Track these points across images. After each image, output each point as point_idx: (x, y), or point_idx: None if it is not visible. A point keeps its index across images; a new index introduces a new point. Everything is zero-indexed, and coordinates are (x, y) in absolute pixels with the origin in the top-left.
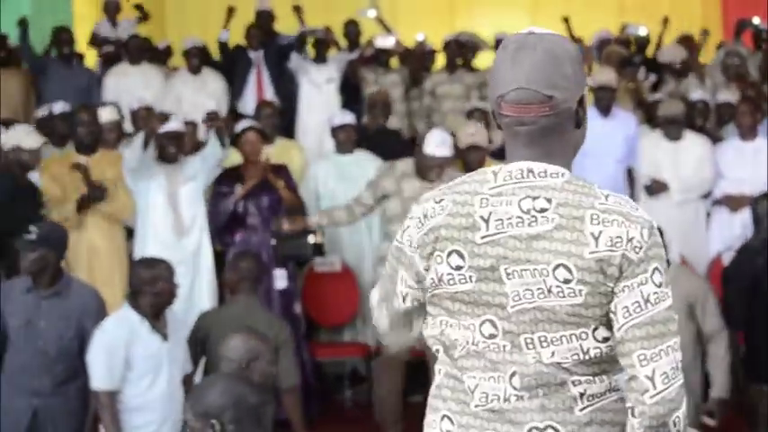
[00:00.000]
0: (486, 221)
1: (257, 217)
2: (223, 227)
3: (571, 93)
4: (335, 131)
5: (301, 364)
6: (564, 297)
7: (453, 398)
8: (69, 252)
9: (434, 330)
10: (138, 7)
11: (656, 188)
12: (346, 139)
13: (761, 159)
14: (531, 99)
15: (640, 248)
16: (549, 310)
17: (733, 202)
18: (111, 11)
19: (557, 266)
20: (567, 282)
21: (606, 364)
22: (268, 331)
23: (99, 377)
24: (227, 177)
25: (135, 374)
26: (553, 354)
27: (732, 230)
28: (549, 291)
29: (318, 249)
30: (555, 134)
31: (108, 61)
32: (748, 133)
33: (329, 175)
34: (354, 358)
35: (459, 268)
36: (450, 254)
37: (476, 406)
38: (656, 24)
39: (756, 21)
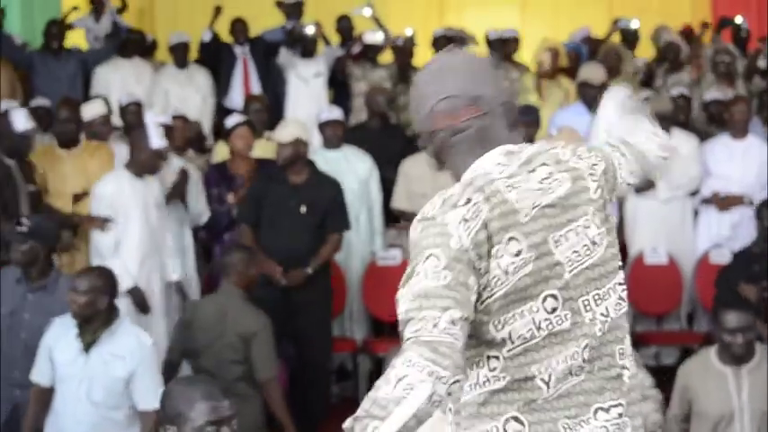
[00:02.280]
0: (520, 203)
1: None
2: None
3: (495, 93)
4: (323, 127)
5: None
6: (603, 242)
7: (521, 398)
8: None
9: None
10: None
11: (642, 186)
12: (333, 135)
13: (750, 158)
14: (459, 104)
15: (593, 147)
16: (598, 264)
17: (722, 202)
18: (98, 5)
19: (594, 213)
20: (599, 226)
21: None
22: (243, 321)
23: (34, 368)
24: (217, 174)
25: (57, 376)
26: (607, 309)
27: (720, 229)
28: (594, 242)
29: None
30: (492, 133)
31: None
32: (740, 132)
33: None
34: (342, 354)
35: (519, 253)
36: (509, 241)
37: (546, 397)
38: (645, 20)
39: (739, 20)
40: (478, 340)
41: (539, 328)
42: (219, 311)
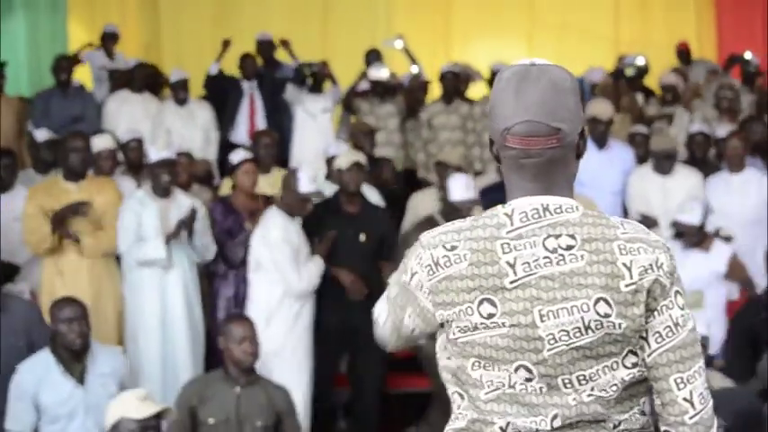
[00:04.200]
0: (513, 266)
1: None
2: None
3: (574, 125)
4: (330, 162)
5: None
6: (602, 329)
7: None
8: (58, 282)
9: (453, 363)
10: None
11: (644, 224)
12: None
13: (747, 191)
14: (538, 131)
15: (669, 273)
16: (586, 347)
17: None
18: (110, 41)
19: (597, 300)
20: (606, 316)
21: (637, 386)
22: (263, 400)
23: (9, 418)
24: (222, 209)
25: (45, 419)
26: (593, 389)
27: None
28: (588, 327)
29: None
30: (560, 166)
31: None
32: (736, 166)
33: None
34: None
35: (491, 316)
36: (480, 303)
37: None
38: (652, 55)
39: (748, 56)
40: (455, 376)
41: (510, 386)
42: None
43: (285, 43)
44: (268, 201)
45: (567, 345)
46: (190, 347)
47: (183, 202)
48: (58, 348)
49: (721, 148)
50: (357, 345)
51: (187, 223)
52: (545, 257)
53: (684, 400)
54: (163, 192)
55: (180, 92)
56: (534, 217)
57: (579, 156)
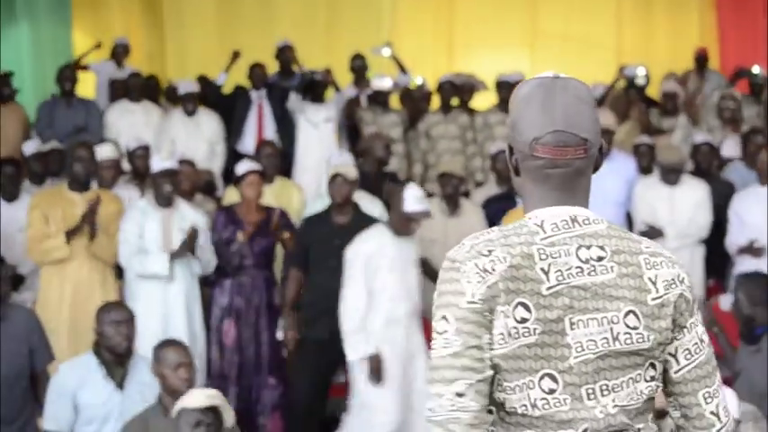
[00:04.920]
0: (547, 273)
1: (251, 259)
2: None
3: (598, 137)
4: None
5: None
6: (631, 343)
7: None
8: (51, 289)
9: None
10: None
11: (651, 234)
12: None
13: None
14: (568, 142)
15: (691, 288)
16: (612, 357)
17: (758, 251)
18: (121, 53)
19: (627, 313)
20: (635, 328)
21: (651, 401)
22: None
23: (47, 417)
24: (225, 218)
25: (81, 419)
26: (614, 400)
27: None
28: (616, 338)
29: None
30: (582, 177)
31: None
32: (766, 178)
33: None
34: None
35: (524, 321)
36: (516, 306)
37: None
38: (654, 64)
39: (756, 70)
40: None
41: (533, 406)
42: None
43: (289, 51)
44: (271, 211)
45: (594, 354)
46: None
47: (185, 212)
48: (102, 351)
49: (700, 155)
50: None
51: (189, 243)
52: (577, 267)
53: (712, 413)
54: (165, 201)
55: (189, 104)
56: (565, 227)
57: (596, 168)
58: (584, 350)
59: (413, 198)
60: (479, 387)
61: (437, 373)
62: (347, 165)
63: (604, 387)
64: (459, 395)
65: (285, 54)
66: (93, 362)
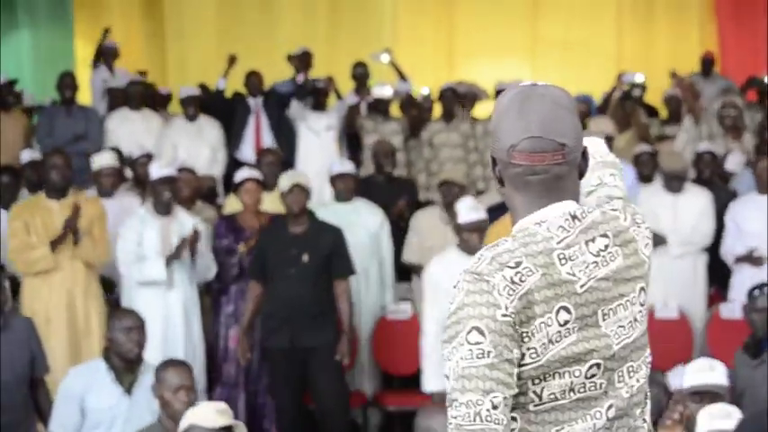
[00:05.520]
0: (574, 274)
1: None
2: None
3: (577, 141)
4: (334, 180)
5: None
6: (644, 318)
7: None
8: (38, 299)
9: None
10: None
11: (654, 241)
12: (345, 188)
13: None
14: (544, 147)
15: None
16: (638, 338)
17: (757, 260)
18: (110, 57)
19: (640, 290)
20: (642, 304)
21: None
22: None
23: (53, 420)
24: (226, 227)
25: (88, 424)
26: (638, 380)
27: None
28: (636, 319)
29: None
30: (565, 183)
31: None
32: (764, 188)
33: None
34: (351, 408)
35: (566, 323)
36: (558, 311)
37: None
38: (654, 72)
39: (767, 79)
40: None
41: (571, 391)
42: None
43: (291, 58)
44: (273, 219)
45: (628, 338)
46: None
47: (184, 221)
48: (112, 357)
49: (702, 163)
50: (311, 365)
51: (190, 243)
52: (593, 262)
53: None
54: (164, 209)
55: (189, 108)
56: (570, 227)
57: (581, 175)
58: (620, 337)
59: (466, 208)
60: (509, 403)
61: (470, 383)
62: (303, 175)
63: (630, 368)
64: (495, 407)
65: (303, 60)
66: (103, 367)
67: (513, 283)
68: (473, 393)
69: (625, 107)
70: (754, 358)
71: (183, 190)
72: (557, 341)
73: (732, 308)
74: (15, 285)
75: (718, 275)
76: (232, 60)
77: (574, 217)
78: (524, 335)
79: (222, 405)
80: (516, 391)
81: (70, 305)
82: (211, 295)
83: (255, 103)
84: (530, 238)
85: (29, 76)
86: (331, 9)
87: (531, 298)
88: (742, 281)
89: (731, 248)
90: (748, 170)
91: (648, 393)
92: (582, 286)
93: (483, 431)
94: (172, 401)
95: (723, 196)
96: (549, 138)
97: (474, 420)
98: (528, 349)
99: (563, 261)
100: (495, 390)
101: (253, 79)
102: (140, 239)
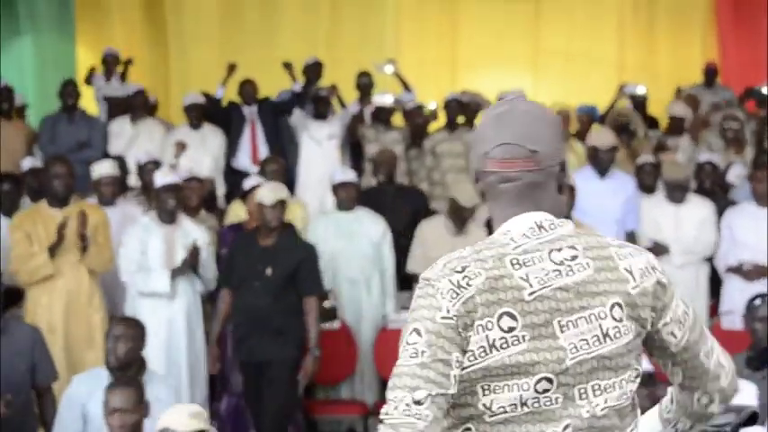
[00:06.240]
0: (527, 280)
1: None
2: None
3: (552, 151)
4: (336, 188)
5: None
6: (620, 337)
7: None
8: (41, 306)
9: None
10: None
11: (656, 250)
12: (347, 197)
13: None
14: (515, 154)
15: (663, 271)
16: (606, 356)
17: (748, 273)
18: (110, 64)
19: (613, 306)
20: (620, 320)
21: (635, 400)
22: None
23: (56, 427)
24: (232, 235)
25: (91, 430)
26: (606, 401)
27: (744, 299)
28: (606, 335)
29: (331, 314)
30: (540, 192)
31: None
32: (763, 200)
33: (329, 232)
34: (352, 416)
35: (511, 330)
36: (501, 317)
37: None
38: (655, 82)
39: (765, 90)
40: (456, 411)
41: (523, 405)
42: None
43: (288, 67)
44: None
45: (588, 353)
46: (191, 376)
47: (188, 229)
48: (110, 363)
49: (703, 173)
50: (263, 378)
51: (190, 259)
52: (554, 270)
53: (716, 365)
54: (169, 217)
55: (193, 116)
56: (533, 234)
57: (561, 187)
58: (578, 351)
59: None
60: (439, 400)
61: (399, 380)
62: (285, 189)
63: (596, 387)
64: (418, 403)
65: (312, 69)
66: (105, 374)
67: (458, 287)
68: (400, 390)
69: (620, 139)
70: (757, 371)
71: (192, 199)
72: (502, 347)
73: (732, 319)
74: (20, 295)
75: (720, 287)
76: (231, 68)
77: (540, 227)
78: (469, 339)
79: (197, 408)
80: (452, 391)
81: (73, 312)
82: (214, 304)
83: (250, 111)
84: (486, 245)
85: (31, 83)
86: (333, 19)
87: (475, 302)
88: (731, 292)
89: (724, 257)
90: (748, 182)
91: (638, 420)
92: (531, 294)
93: (402, 424)
94: (108, 422)
95: (723, 207)
96: (521, 144)
97: (393, 414)
98: (466, 351)
99: (516, 266)
100: (421, 387)
101: (247, 88)
102: (144, 248)
